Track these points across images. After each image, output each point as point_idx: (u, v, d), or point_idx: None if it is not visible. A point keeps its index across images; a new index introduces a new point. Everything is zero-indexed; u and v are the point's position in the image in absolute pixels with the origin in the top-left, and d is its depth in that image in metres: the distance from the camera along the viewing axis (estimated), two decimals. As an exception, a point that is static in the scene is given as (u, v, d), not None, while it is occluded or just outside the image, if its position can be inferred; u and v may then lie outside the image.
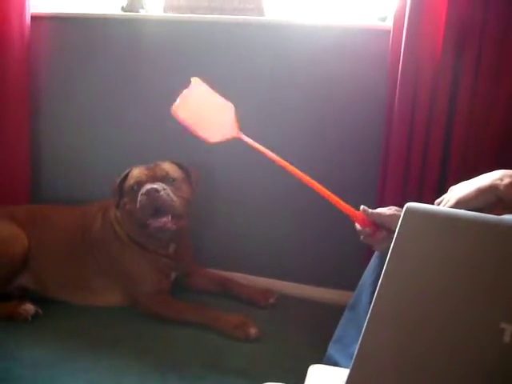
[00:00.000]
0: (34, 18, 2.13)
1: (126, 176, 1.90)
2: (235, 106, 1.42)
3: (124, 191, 1.89)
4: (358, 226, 1.21)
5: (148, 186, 1.78)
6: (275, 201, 2.08)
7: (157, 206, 1.78)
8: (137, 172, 1.87)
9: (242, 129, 1.39)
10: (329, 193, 1.21)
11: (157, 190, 1.77)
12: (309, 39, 1.92)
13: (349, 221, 1.98)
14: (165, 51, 2.08)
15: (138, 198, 1.79)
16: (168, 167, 1.88)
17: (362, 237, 1.21)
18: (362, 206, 1.19)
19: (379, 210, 1.18)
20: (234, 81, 2.01)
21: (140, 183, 1.82)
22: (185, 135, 2.12)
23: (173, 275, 1.97)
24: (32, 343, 1.66)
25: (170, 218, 1.80)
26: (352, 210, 1.20)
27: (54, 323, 1.79)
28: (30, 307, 1.80)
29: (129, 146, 2.19)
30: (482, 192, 0.99)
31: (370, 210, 1.18)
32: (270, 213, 2.09)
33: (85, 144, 2.25)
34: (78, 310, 1.89)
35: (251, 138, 2.03)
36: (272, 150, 2.02)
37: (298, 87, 1.98)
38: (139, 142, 2.18)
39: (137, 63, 2.12)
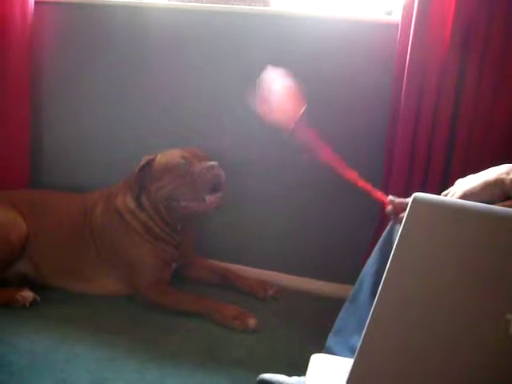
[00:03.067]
0: (38, 2, 2.11)
1: (149, 163, 1.87)
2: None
3: (153, 176, 1.86)
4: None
5: (211, 162, 1.80)
6: (277, 193, 2.07)
7: (216, 182, 1.81)
8: (173, 154, 1.86)
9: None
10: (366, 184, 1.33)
11: (219, 166, 1.81)
12: (315, 31, 1.90)
13: (349, 215, 2.01)
14: (169, 40, 2.07)
15: (196, 174, 1.79)
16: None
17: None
18: (389, 196, 1.28)
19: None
20: (236, 71, 2.00)
21: (188, 160, 1.83)
22: (186, 126, 2.14)
23: (173, 265, 1.97)
24: (30, 330, 1.66)
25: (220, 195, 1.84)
26: (383, 197, 1.31)
27: (53, 310, 1.78)
28: (28, 294, 1.79)
29: (131, 134, 2.17)
30: (488, 185, 0.99)
31: (397, 200, 1.26)
32: (272, 205, 2.08)
33: (86, 131, 2.23)
34: (76, 297, 1.89)
35: (250, 129, 2.03)
36: (274, 143, 2.03)
37: (303, 79, 1.96)
38: (141, 131, 2.16)
39: (141, 51, 2.10)
